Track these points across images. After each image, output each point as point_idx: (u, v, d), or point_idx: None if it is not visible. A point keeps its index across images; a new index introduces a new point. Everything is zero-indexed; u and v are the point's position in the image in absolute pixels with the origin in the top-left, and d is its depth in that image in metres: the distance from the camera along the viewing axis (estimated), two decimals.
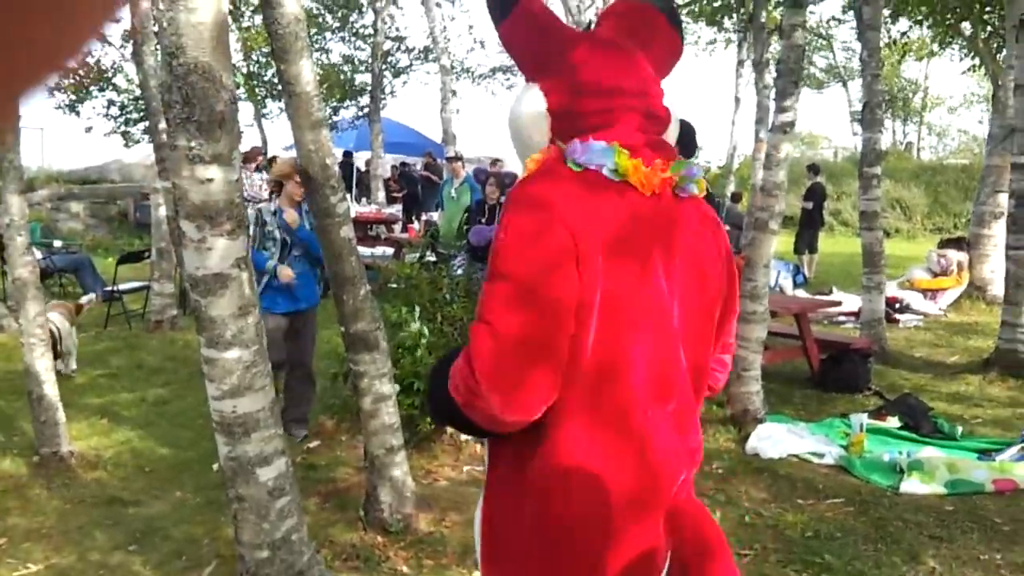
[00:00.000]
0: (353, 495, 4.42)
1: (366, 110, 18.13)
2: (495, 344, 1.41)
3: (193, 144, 2.76)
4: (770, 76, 14.97)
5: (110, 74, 14.13)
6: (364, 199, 16.43)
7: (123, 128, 14.90)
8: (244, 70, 17.60)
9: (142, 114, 13.05)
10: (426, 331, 5.24)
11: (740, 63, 19.34)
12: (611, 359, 1.48)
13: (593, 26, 1.76)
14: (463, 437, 5.06)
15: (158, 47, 8.20)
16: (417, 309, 5.45)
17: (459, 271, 7.25)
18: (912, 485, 4.56)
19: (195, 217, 2.79)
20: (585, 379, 1.47)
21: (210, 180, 2.78)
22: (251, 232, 4.92)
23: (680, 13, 1.69)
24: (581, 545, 1.52)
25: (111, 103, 14.54)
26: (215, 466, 4.42)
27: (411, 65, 19.70)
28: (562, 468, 1.50)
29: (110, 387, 6.67)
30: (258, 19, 16.54)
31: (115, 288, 9.08)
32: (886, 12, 10.66)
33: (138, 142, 15.09)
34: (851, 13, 13.49)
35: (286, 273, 5.11)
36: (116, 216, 16.84)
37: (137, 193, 16.38)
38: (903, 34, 15.55)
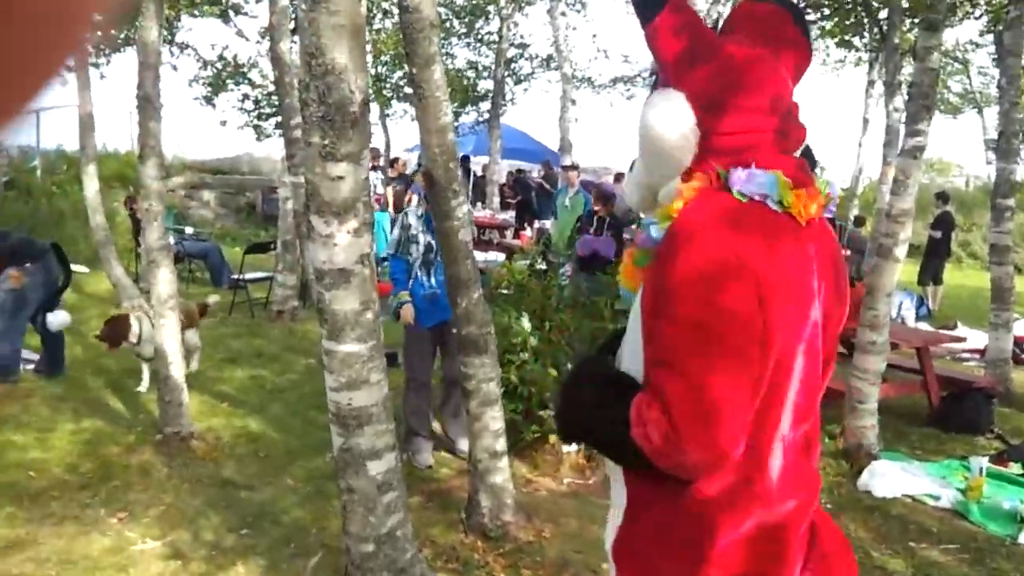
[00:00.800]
0: (455, 497, 4.48)
1: (486, 116, 18.35)
2: (692, 394, 1.36)
3: (327, 141, 2.85)
4: (901, 98, 14.48)
5: (246, 68, 14.69)
6: (479, 204, 16.65)
7: (255, 122, 15.47)
8: (372, 72, 18.06)
9: (274, 109, 13.53)
10: (533, 338, 5.27)
11: (870, 84, 18.77)
12: (774, 391, 1.45)
13: (720, 28, 1.69)
14: (565, 448, 5.05)
15: (293, 43, 8.44)
16: (526, 315, 5.49)
17: (565, 280, 7.27)
18: None
19: (324, 212, 2.89)
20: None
21: (340, 177, 2.87)
22: (396, 236, 4.90)
23: (806, 17, 1.55)
24: (732, 568, 1.51)
25: (245, 97, 15.09)
26: (328, 456, 4.55)
27: (533, 72, 19.84)
28: (716, 495, 1.48)
29: (231, 371, 6.95)
30: (388, 23, 16.97)
31: (241, 276, 9.49)
32: None
33: (269, 136, 15.64)
34: (990, 36, 12.89)
35: (408, 314, 4.87)
36: (244, 207, 17.55)
37: (265, 186, 17.03)
38: None
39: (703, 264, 1.38)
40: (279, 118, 9.84)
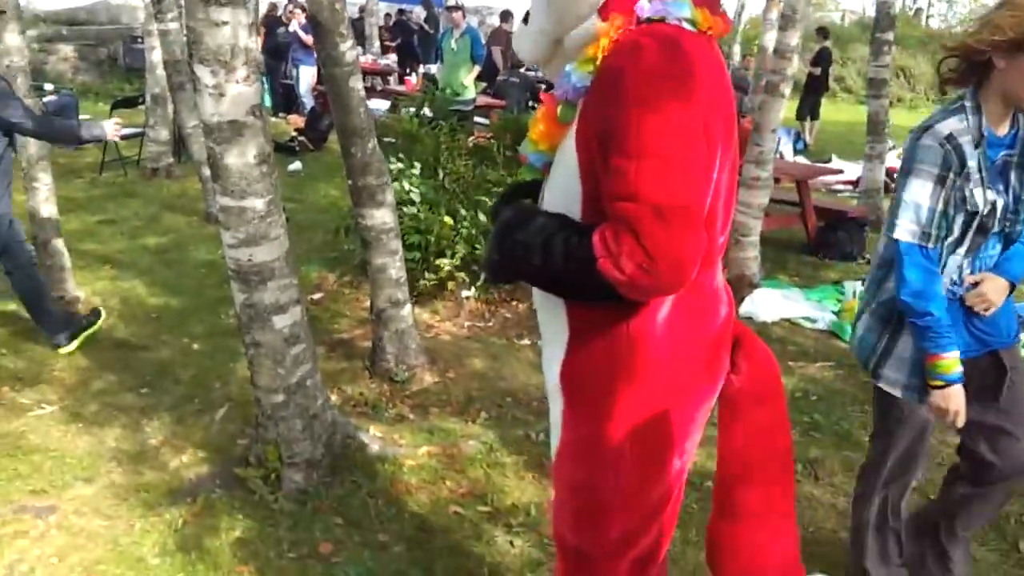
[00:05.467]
0: (358, 346, 4.52)
1: None
2: (663, 222, 1.36)
3: None
4: None
5: None
6: (359, 48, 16.02)
7: None
8: None
9: None
10: (421, 187, 5.23)
11: None
12: (712, 206, 1.51)
13: None
14: (464, 293, 5.12)
15: None
16: (418, 165, 5.43)
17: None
18: None
19: (210, 61, 2.73)
20: None
21: (225, 22, 2.71)
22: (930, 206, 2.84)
23: None
24: (679, 375, 1.61)
25: None
26: (226, 314, 4.49)
27: None
28: (670, 309, 1.57)
29: (110, 235, 6.68)
30: None
31: None
32: None
33: None
34: None
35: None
36: (106, 59, 16.36)
37: (127, 35, 15.86)
38: None
39: (651, 93, 1.37)
40: None
